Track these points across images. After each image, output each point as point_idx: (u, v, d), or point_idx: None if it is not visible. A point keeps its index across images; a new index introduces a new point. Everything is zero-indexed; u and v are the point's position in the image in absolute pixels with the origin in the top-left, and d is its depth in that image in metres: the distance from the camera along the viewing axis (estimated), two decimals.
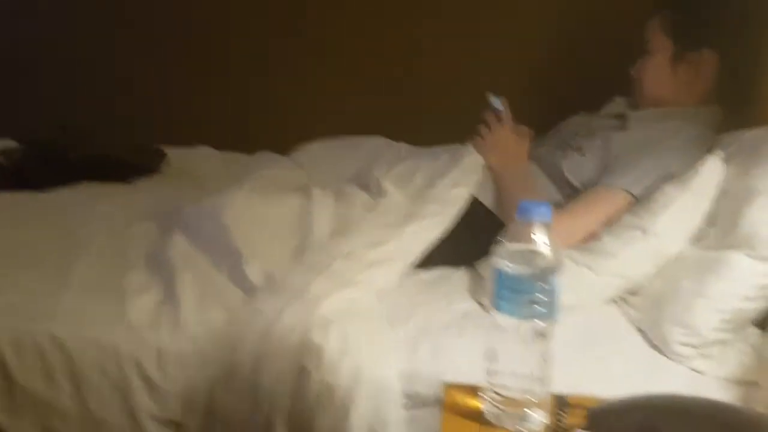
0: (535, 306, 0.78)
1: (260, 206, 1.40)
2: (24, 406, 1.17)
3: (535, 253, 0.78)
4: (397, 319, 1.22)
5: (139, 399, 1.15)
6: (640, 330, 1.19)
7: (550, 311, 0.78)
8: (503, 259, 0.78)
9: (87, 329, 1.18)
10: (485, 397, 0.83)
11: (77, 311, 1.20)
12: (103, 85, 2.22)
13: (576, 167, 1.44)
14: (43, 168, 1.84)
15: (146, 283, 1.28)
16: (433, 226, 1.39)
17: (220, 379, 1.13)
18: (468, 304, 1.28)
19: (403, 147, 1.83)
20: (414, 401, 1.13)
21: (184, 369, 1.14)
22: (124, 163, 1.91)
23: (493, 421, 0.82)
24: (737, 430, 0.65)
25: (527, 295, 0.78)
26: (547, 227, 0.77)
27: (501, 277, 0.79)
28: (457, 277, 1.38)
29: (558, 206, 1.41)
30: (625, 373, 1.08)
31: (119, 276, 1.30)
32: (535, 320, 0.79)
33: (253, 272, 1.26)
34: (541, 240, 0.77)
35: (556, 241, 1.19)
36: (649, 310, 1.19)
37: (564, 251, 1.28)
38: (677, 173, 1.27)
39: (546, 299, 0.78)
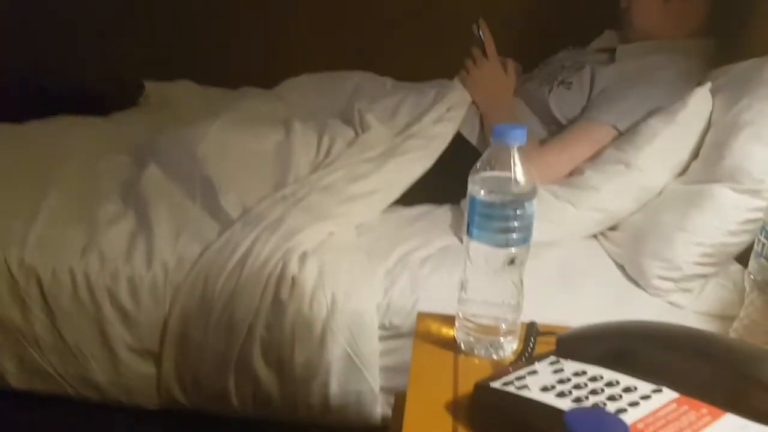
0: (509, 233, 0.76)
1: (238, 138, 1.37)
2: None
3: (509, 180, 0.75)
4: (377, 253, 1.21)
5: (114, 329, 1.14)
6: (619, 265, 1.18)
7: (523, 238, 0.76)
8: (477, 186, 0.76)
9: (58, 258, 1.15)
10: (458, 325, 0.82)
11: (49, 239, 1.18)
12: (84, 18, 2.15)
13: (562, 102, 1.40)
14: (21, 101, 1.80)
15: (119, 213, 1.26)
16: (415, 161, 1.37)
17: (193, 310, 1.12)
18: (448, 240, 1.26)
19: (388, 81, 1.79)
20: (391, 333, 1.13)
21: (157, 300, 1.13)
22: (102, 96, 1.87)
23: (465, 348, 0.81)
24: (714, 354, 0.64)
25: (501, 222, 0.75)
26: (523, 152, 0.74)
27: (475, 204, 0.76)
28: (440, 214, 1.37)
29: (543, 142, 1.39)
30: (601, 306, 1.08)
31: (92, 206, 1.27)
32: (509, 248, 0.77)
33: (229, 204, 1.24)
34: (516, 165, 0.75)
35: (534, 169, 1.18)
36: (628, 245, 1.18)
37: (546, 186, 1.26)
38: (665, 108, 1.23)
39: (520, 226, 0.76)
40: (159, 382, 1.16)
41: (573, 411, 0.39)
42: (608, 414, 0.41)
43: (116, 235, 1.20)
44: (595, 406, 0.58)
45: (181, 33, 2.12)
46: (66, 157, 1.45)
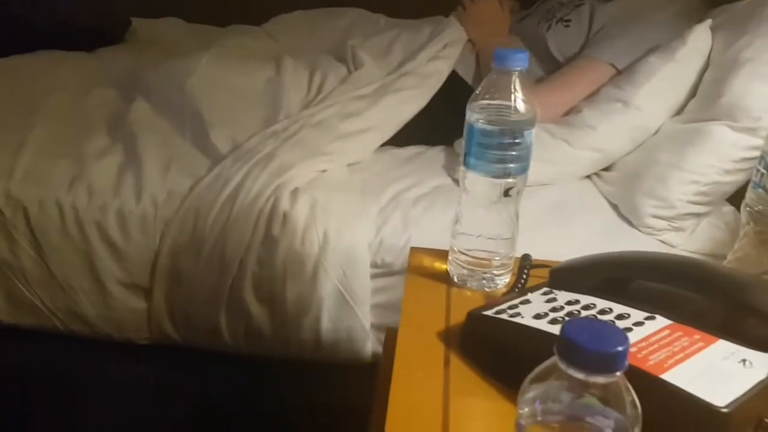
0: (507, 163, 0.75)
1: (228, 73, 1.34)
2: None
3: (509, 107, 0.73)
4: (370, 192, 1.20)
5: (103, 263, 1.13)
6: (612, 204, 1.17)
7: (521, 168, 0.75)
8: (475, 114, 0.74)
9: (45, 190, 1.14)
10: (451, 258, 0.82)
11: (36, 172, 1.16)
12: None
13: (561, 40, 1.37)
14: (5, 34, 1.74)
15: (107, 147, 1.23)
16: (409, 99, 1.35)
17: (184, 245, 1.11)
18: (442, 180, 1.25)
19: (382, 18, 1.75)
20: (383, 271, 1.13)
21: (147, 234, 1.12)
22: (88, 31, 1.81)
23: (458, 281, 0.80)
24: (708, 282, 0.64)
25: (499, 151, 0.74)
26: (523, 78, 0.72)
27: (473, 132, 0.75)
28: (434, 154, 1.35)
29: (540, 81, 1.37)
30: (594, 245, 1.06)
31: (80, 140, 1.24)
32: (506, 178, 0.75)
33: (219, 139, 1.21)
34: (516, 92, 0.73)
35: (531, 94, 1.16)
36: (623, 184, 1.17)
37: (543, 125, 1.25)
38: (664, 45, 1.21)
39: (518, 155, 0.74)
40: (149, 317, 1.16)
41: (570, 321, 0.39)
42: (606, 324, 0.41)
43: (104, 168, 1.18)
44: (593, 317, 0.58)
45: None
46: (52, 91, 1.41)
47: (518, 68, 0.71)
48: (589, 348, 0.37)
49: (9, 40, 1.69)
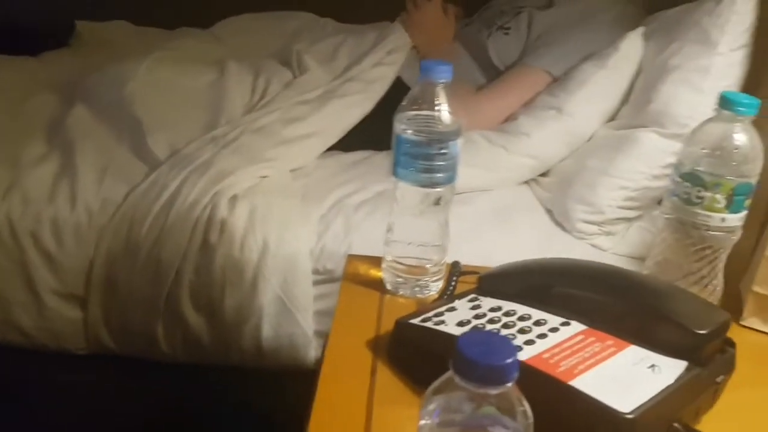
0: (434, 173, 0.76)
1: (168, 77, 1.32)
2: None
3: (434, 118, 0.75)
4: (312, 197, 1.20)
5: (38, 273, 1.11)
6: (547, 210, 1.20)
7: (448, 178, 0.76)
8: (402, 124, 0.75)
9: None
10: (384, 266, 0.83)
11: None
12: None
13: (500, 48, 1.40)
14: None
15: (44, 154, 1.21)
16: (354, 105, 1.35)
17: (119, 253, 1.09)
18: (385, 185, 1.26)
19: (329, 23, 1.75)
20: (325, 277, 1.13)
21: (82, 243, 1.10)
22: (32, 35, 1.78)
23: (391, 288, 0.81)
24: (623, 289, 0.66)
25: (426, 161, 0.75)
26: (448, 89, 0.73)
27: (400, 142, 0.76)
28: (378, 159, 1.35)
29: (482, 89, 1.39)
30: (528, 249, 1.09)
31: (16, 147, 1.21)
32: (434, 187, 0.77)
33: (157, 145, 1.20)
34: (441, 104, 0.74)
35: (470, 115, 1.17)
36: (556, 190, 1.19)
37: (481, 132, 1.26)
38: (598, 53, 1.24)
39: (445, 165, 0.75)
40: (86, 327, 1.14)
41: (465, 335, 0.40)
42: (499, 336, 0.42)
43: (40, 176, 1.16)
44: (490, 330, 0.60)
45: None
46: None
47: (443, 80, 0.72)
48: (479, 361, 0.38)
49: None
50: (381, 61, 1.42)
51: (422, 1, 1.48)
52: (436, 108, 0.74)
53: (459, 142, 0.75)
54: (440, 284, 0.81)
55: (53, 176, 1.16)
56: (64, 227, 1.10)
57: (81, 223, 1.10)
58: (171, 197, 1.10)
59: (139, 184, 1.13)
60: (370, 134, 1.36)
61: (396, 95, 1.39)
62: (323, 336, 1.14)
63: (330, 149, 1.34)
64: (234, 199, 1.11)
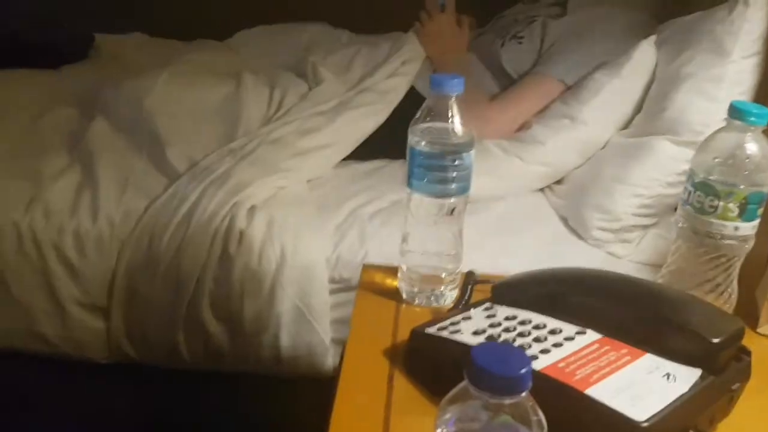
0: (448, 184, 0.77)
1: (185, 90, 1.35)
2: None
3: (448, 130, 0.76)
4: (327, 207, 1.21)
5: (61, 283, 1.13)
6: (562, 217, 1.20)
7: (462, 188, 0.77)
8: (416, 136, 0.77)
9: (2, 212, 1.14)
10: (400, 276, 0.84)
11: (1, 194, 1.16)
12: None
13: (514, 57, 1.40)
14: None
15: (65, 167, 1.23)
16: (368, 115, 1.37)
17: (140, 264, 1.11)
18: (400, 194, 1.27)
19: (344, 34, 1.77)
20: (341, 286, 1.14)
21: (104, 254, 1.12)
22: (51, 48, 1.81)
23: (407, 298, 0.82)
24: (638, 298, 0.67)
25: (439, 172, 0.76)
26: (461, 101, 0.75)
27: (414, 154, 0.77)
28: (393, 169, 1.36)
29: (495, 98, 1.39)
30: (542, 257, 1.10)
31: (37, 160, 1.24)
32: (448, 198, 0.78)
33: (176, 158, 1.22)
34: (454, 116, 0.75)
35: (483, 124, 1.18)
36: (571, 197, 1.20)
37: (495, 141, 1.27)
38: (611, 61, 1.24)
39: (458, 176, 0.76)
40: (108, 337, 1.16)
41: (479, 345, 0.41)
42: (513, 347, 0.43)
43: (61, 189, 1.18)
44: (505, 342, 0.61)
45: None
46: (10, 111, 1.41)
47: (455, 93, 0.73)
48: (493, 371, 0.39)
49: None
50: (395, 71, 1.44)
51: (436, 12, 1.50)
52: (449, 120, 0.75)
53: (472, 154, 0.76)
54: (455, 293, 0.82)
55: (75, 189, 1.19)
56: (86, 239, 1.12)
57: (103, 235, 1.12)
58: (190, 209, 1.12)
59: (159, 196, 1.15)
60: (385, 144, 1.38)
61: (410, 105, 1.42)
62: (340, 344, 1.16)
63: (345, 159, 1.35)
64: (252, 210, 1.13)
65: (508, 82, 1.42)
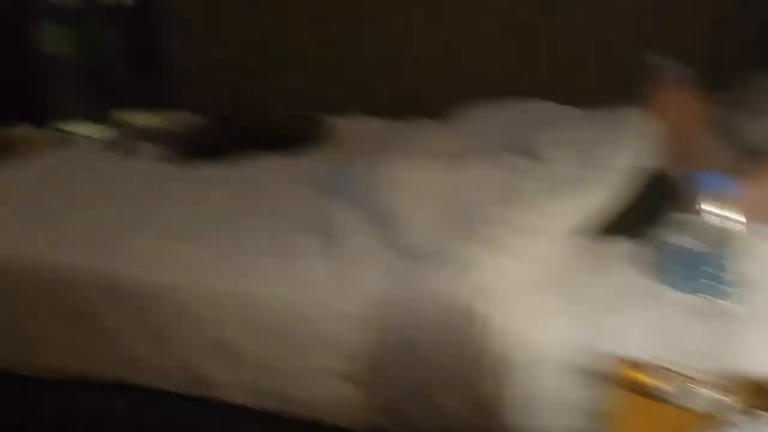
0: (707, 282, 0.74)
1: (416, 172, 1.43)
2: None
3: (710, 227, 0.73)
4: (557, 288, 1.20)
5: (323, 354, 1.23)
6: None
7: (723, 287, 0.74)
8: (675, 232, 0.75)
9: (258, 287, 1.28)
10: (654, 372, 0.80)
11: (255, 269, 1.31)
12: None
13: (762, 131, 1.30)
14: (215, 140, 2.00)
15: (312, 248, 1.35)
16: (595, 193, 1.34)
17: (380, 341, 1.19)
18: (633, 277, 1.21)
19: (567, 110, 1.76)
20: (575, 374, 1.12)
21: (354, 328, 1.21)
22: (289, 133, 2.01)
23: (661, 397, 0.79)
24: None
25: (699, 270, 0.73)
26: (725, 199, 0.72)
27: (671, 250, 0.75)
28: (624, 248, 1.31)
29: (733, 173, 1.30)
30: None
31: (285, 238, 1.38)
32: (707, 296, 0.74)
33: (410, 237, 1.30)
34: (717, 212, 0.73)
35: (743, 213, 1.10)
36: None
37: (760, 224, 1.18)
38: None
39: (719, 274, 0.73)
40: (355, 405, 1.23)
41: None
42: None
43: (312, 265, 1.30)
44: None
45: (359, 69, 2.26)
46: (261, 195, 1.60)
47: (719, 192, 0.70)
48: None
49: (217, 145, 1.93)
50: (623, 147, 1.41)
51: (665, 86, 1.45)
52: (712, 217, 0.72)
53: (735, 252, 0.72)
54: (714, 394, 0.77)
55: (322, 265, 1.30)
56: (338, 313, 1.22)
57: (349, 312, 1.22)
58: (426, 290, 1.18)
59: (397, 276, 1.23)
60: (613, 220, 1.34)
61: (638, 180, 1.37)
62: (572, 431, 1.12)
63: (578, 237, 1.33)
64: (480, 291, 1.15)
65: (750, 154, 1.31)
